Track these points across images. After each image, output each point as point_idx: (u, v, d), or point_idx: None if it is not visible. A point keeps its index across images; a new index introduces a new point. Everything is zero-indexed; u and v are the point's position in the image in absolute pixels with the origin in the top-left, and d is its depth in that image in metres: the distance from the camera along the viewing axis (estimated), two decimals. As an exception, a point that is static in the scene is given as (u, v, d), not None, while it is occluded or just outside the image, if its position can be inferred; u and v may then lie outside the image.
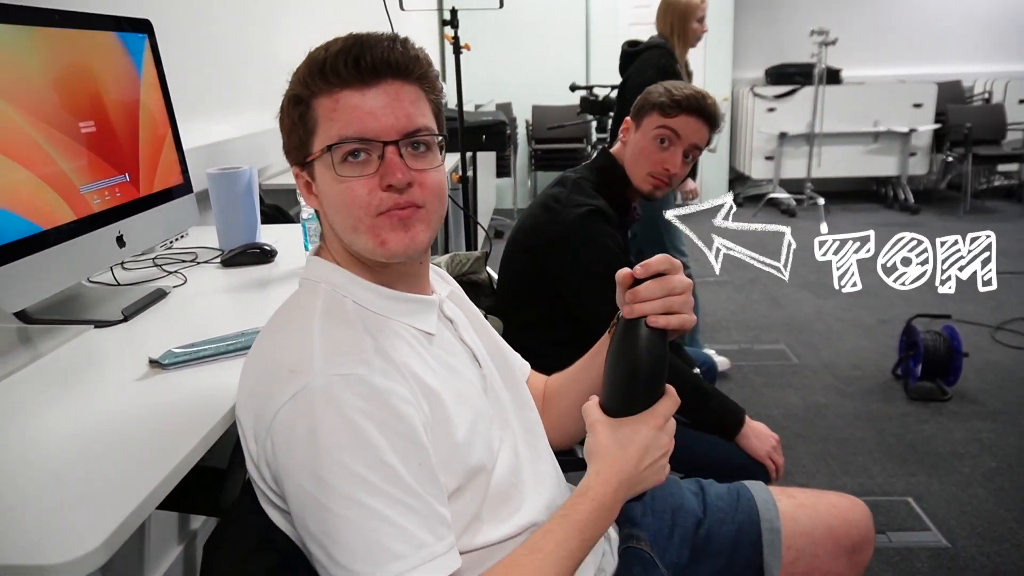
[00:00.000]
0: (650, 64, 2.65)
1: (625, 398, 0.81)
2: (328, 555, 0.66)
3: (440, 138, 0.80)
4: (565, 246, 1.46)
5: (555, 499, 0.87)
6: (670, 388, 0.82)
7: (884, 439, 2.43)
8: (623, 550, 0.92)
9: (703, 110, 1.47)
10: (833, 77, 5.83)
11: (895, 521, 2.00)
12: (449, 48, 2.29)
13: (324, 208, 0.80)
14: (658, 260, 0.80)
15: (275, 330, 0.79)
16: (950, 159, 5.91)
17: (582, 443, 1.12)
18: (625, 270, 0.81)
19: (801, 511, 1.06)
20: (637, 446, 0.78)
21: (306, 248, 1.40)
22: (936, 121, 5.78)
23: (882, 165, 5.93)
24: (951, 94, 6.04)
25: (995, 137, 5.71)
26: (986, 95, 6.15)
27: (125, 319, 1.14)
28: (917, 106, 5.75)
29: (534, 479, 0.86)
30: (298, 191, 0.85)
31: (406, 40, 0.78)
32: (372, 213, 0.76)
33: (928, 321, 2.89)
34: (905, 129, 5.66)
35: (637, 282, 0.80)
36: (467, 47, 2.25)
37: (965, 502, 2.08)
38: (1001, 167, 6.03)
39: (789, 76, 5.91)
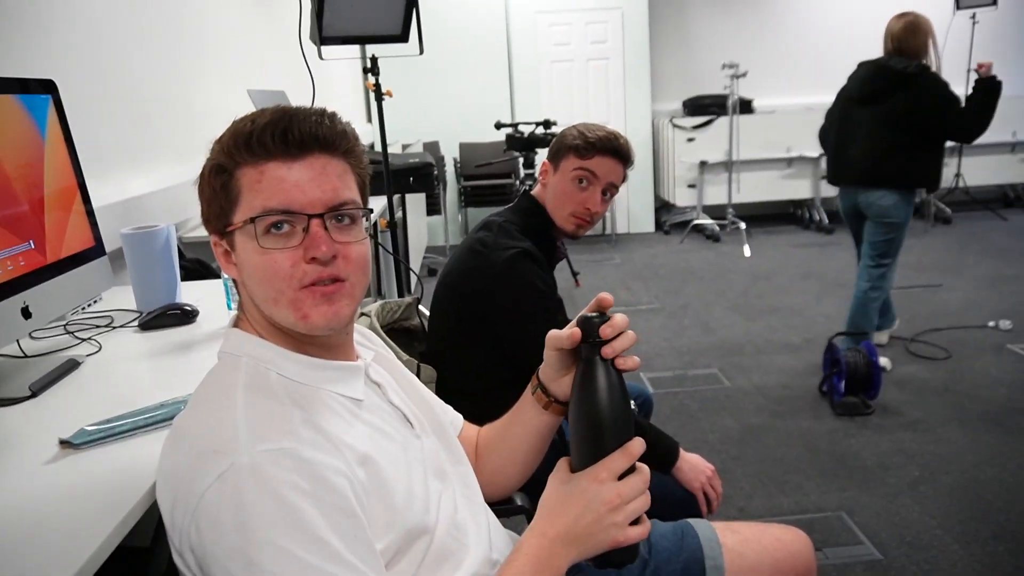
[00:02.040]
0: (939, 85, 2.85)
1: (584, 452, 0.78)
2: None
3: (364, 211, 0.81)
4: (496, 289, 1.47)
5: (493, 551, 0.86)
6: (633, 441, 0.77)
7: (816, 456, 2.51)
8: (569, 594, 0.92)
9: (617, 150, 1.52)
10: (746, 107, 6.12)
11: (831, 537, 2.05)
12: (372, 94, 2.29)
13: (244, 279, 0.79)
14: (604, 299, 0.81)
15: (195, 408, 0.76)
16: (858, 180, 6.24)
17: (522, 489, 1.12)
18: (574, 326, 0.80)
19: (747, 546, 1.08)
20: (575, 500, 0.76)
21: (228, 307, 1.36)
22: (843, 145, 6.11)
23: (797, 188, 6.22)
24: (854, 120, 6.41)
25: (897, 158, 6.07)
26: (886, 119, 6.55)
27: (33, 395, 1.08)
28: (824, 132, 6.07)
29: (475, 530, 0.85)
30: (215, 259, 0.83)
31: (334, 115, 0.79)
32: (295, 286, 0.75)
33: (848, 338, 3.03)
34: (815, 154, 5.96)
35: (587, 328, 0.78)
36: (388, 94, 2.26)
37: (894, 512, 2.16)
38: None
39: (705, 107, 6.17)
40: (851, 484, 2.33)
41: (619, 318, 0.78)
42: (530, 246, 1.51)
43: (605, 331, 0.77)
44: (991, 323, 3.62)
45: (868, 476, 2.37)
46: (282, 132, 0.75)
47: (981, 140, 6.22)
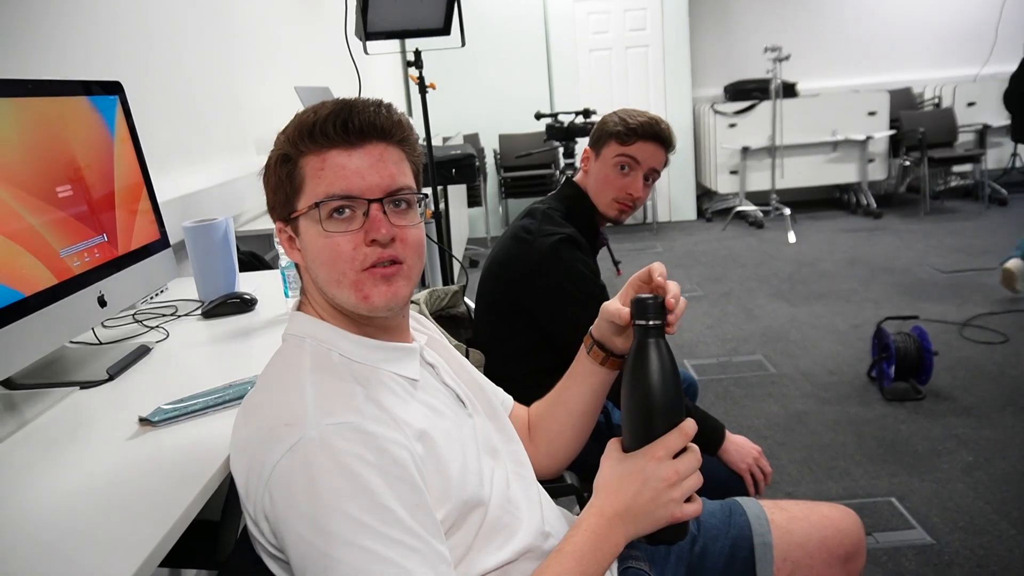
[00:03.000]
0: None
1: (637, 433, 0.81)
2: None
3: (420, 197, 0.84)
4: (540, 275, 1.49)
5: (545, 523, 0.89)
6: (686, 422, 0.81)
7: (864, 442, 2.49)
8: (623, 570, 0.95)
9: (658, 135, 1.53)
10: (789, 91, 6.01)
11: (880, 522, 2.04)
12: (414, 87, 2.34)
13: (307, 263, 0.83)
14: (656, 270, 0.86)
15: (266, 386, 0.81)
16: (907, 163, 6.09)
17: (573, 467, 1.15)
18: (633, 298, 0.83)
19: (795, 524, 1.09)
20: (633, 478, 0.79)
21: (286, 295, 1.42)
22: (891, 127, 5.96)
23: (843, 173, 6.09)
24: (903, 101, 6.24)
25: (948, 140, 5.90)
26: (936, 100, 6.36)
27: (110, 378, 1.15)
28: (872, 114, 5.93)
29: (527, 505, 0.88)
30: (278, 245, 0.88)
31: (390, 106, 0.83)
32: (357, 268, 0.79)
33: (898, 323, 2.98)
34: (862, 137, 5.83)
35: (640, 309, 0.81)
36: (432, 86, 2.30)
37: (946, 498, 2.13)
38: (956, 168, 6.23)
39: (747, 92, 6.07)
40: (901, 470, 2.30)
41: (673, 287, 0.81)
42: (574, 232, 1.54)
43: (670, 303, 0.81)
44: (1049, 306, 3.51)
45: (919, 462, 2.34)
46: (343, 122, 0.79)
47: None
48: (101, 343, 1.32)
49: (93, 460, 0.91)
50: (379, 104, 0.82)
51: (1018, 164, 5.94)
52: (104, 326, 1.43)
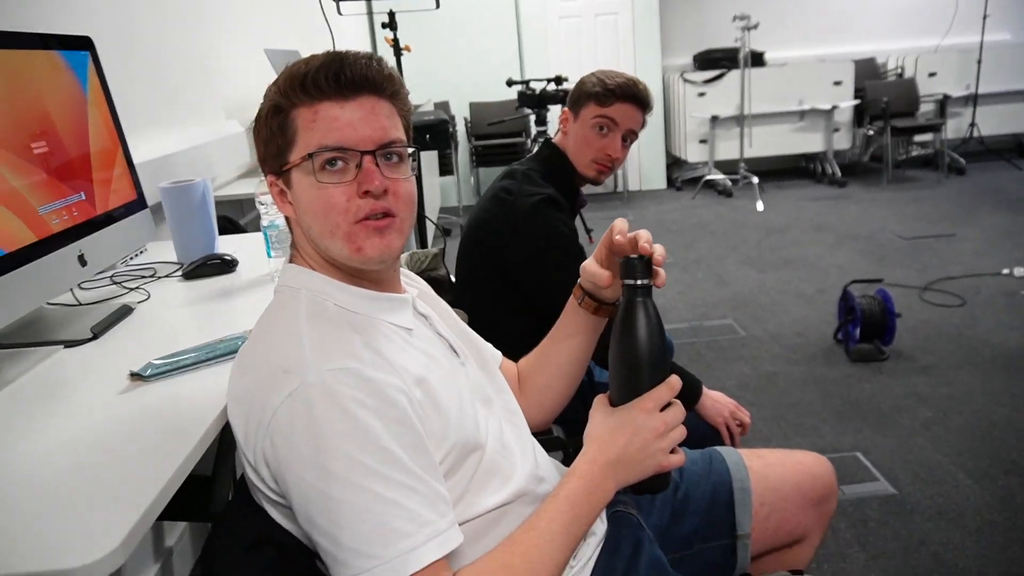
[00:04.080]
0: None
1: (625, 388, 0.84)
2: (336, 543, 0.69)
3: (412, 151, 0.85)
4: (522, 236, 1.51)
5: (538, 468, 0.91)
6: (672, 377, 0.84)
7: (830, 400, 2.57)
8: (611, 514, 0.98)
9: (637, 96, 1.54)
10: (757, 60, 6.05)
11: (846, 475, 2.12)
12: (387, 51, 2.31)
13: (300, 215, 0.83)
14: (619, 228, 0.87)
15: (263, 334, 0.81)
16: (871, 133, 6.20)
17: (559, 422, 1.18)
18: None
19: (771, 470, 1.14)
20: (624, 429, 0.82)
21: (268, 255, 1.41)
22: (855, 97, 6.06)
23: (809, 142, 6.18)
24: (867, 71, 6.33)
25: (910, 110, 6.02)
26: (899, 70, 6.47)
27: (95, 337, 1.14)
28: (837, 84, 6.01)
29: (520, 451, 0.91)
30: (260, 205, 0.87)
31: (381, 59, 0.83)
32: (350, 220, 0.80)
33: (863, 287, 3.06)
34: (828, 106, 5.92)
35: (628, 269, 0.83)
36: (407, 48, 2.27)
37: (907, 451, 2.23)
38: (917, 138, 6.37)
39: (716, 61, 6.10)
40: (865, 426, 2.39)
41: (644, 235, 0.84)
42: (553, 193, 1.55)
43: (656, 259, 0.83)
44: (1005, 270, 3.64)
45: (882, 418, 2.43)
46: (335, 74, 0.79)
47: (995, 88, 6.17)
48: (81, 304, 1.30)
49: (84, 415, 0.90)
50: (370, 57, 0.82)
51: (976, 134, 6.09)
52: (82, 288, 1.41)
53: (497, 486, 0.85)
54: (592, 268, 0.94)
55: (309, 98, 0.80)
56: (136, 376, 0.96)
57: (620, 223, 0.89)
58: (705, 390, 1.53)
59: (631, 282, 0.83)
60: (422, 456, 0.74)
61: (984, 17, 5.77)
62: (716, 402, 1.51)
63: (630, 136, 1.59)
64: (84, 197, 1.21)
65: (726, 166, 6.05)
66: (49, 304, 1.29)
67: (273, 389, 0.73)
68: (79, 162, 1.22)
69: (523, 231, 1.51)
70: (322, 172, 0.80)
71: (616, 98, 1.54)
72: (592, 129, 1.56)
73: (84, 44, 1.32)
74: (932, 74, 6.20)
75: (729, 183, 5.89)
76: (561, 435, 1.24)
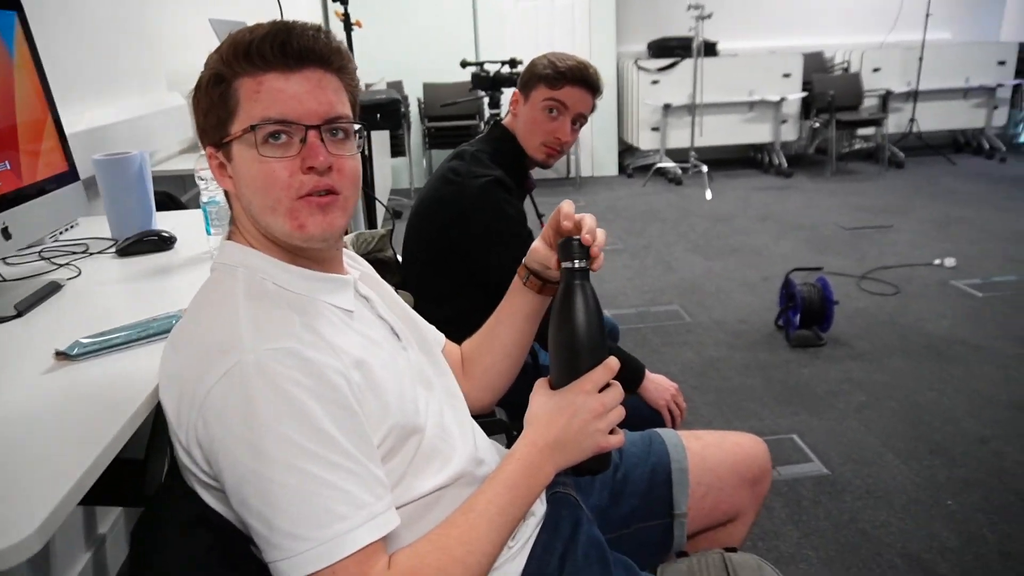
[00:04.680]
0: None
1: (564, 370, 0.84)
2: (269, 525, 0.68)
3: (358, 128, 0.83)
4: (469, 216, 1.50)
5: (479, 451, 0.92)
6: (610, 359, 0.85)
7: (770, 384, 2.65)
8: (551, 495, 0.99)
9: (587, 80, 1.54)
10: (710, 50, 6.13)
11: (782, 456, 2.19)
12: (337, 26, 2.26)
13: (240, 189, 0.81)
14: (565, 210, 0.89)
15: (196, 315, 0.79)
16: (816, 125, 6.36)
17: (503, 404, 1.18)
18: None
19: (708, 451, 1.17)
20: (563, 411, 0.83)
21: (208, 232, 1.37)
22: (803, 90, 6.19)
23: (758, 132, 6.30)
24: (815, 64, 6.48)
25: (854, 104, 6.19)
26: (845, 65, 6.64)
27: (19, 314, 1.09)
28: (786, 76, 6.14)
29: (460, 433, 0.91)
30: (200, 180, 0.85)
31: (329, 32, 0.80)
32: (292, 196, 0.78)
33: (804, 274, 3.15)
34: (776, 98, 6.04)
35: (566, 251, 0.84)
36: (358, 24, 2.22)
37: (841, 434, 2.31)
38: (860, 131, 6.56)
39: (670, 49, 6.15)
40: (802, 409, 2.47)
41: (589, 221, 0.85)
42: (502, 175, 1.55)
43: (594, 251, 0.85)
44: (936, 261, 3.79)
45: (818, 402, 2.51)
46: (281, 44, 0.76)
47: (935, 85, 6.37)
48: (5, 280, 1.24)
49: (5, 395, 0.86)
50: (318, 29, 0.80)
51: (915, 130, 6.30)
52: (7, 263, 1.35)
53: (436, 469, 0.85)
54: (540, 249, 0.95)
55: (253, 68, 0.77)
56: (62, 355, 0.92)
57: (567, 206, 0.90)
58: (648, 374, 1.55)
59: (569, 265, 0.84)
60: (360, 438, 0.73)
61: (927, 16, 5.96)
62: (658, 385, 1.54)
63: (579, 120, 1.59)
64: (9, 167, 1.15)
65: (677, 154, 6.13)
66: (-29, 279, 1.23)
67: (208, 368, 0.71)
68: (5, 131, 1.16)
69: (470, 212, 1.50)
70: (264, 145, 0.77)
71: (567, 81, 1.54)
72: (542, 112, 1.56)
73: (11, 3, 1.25)
74: (876, 69, 6.38)
75: (679, 171, 5.97)
76: (504, 418, 1.25)
